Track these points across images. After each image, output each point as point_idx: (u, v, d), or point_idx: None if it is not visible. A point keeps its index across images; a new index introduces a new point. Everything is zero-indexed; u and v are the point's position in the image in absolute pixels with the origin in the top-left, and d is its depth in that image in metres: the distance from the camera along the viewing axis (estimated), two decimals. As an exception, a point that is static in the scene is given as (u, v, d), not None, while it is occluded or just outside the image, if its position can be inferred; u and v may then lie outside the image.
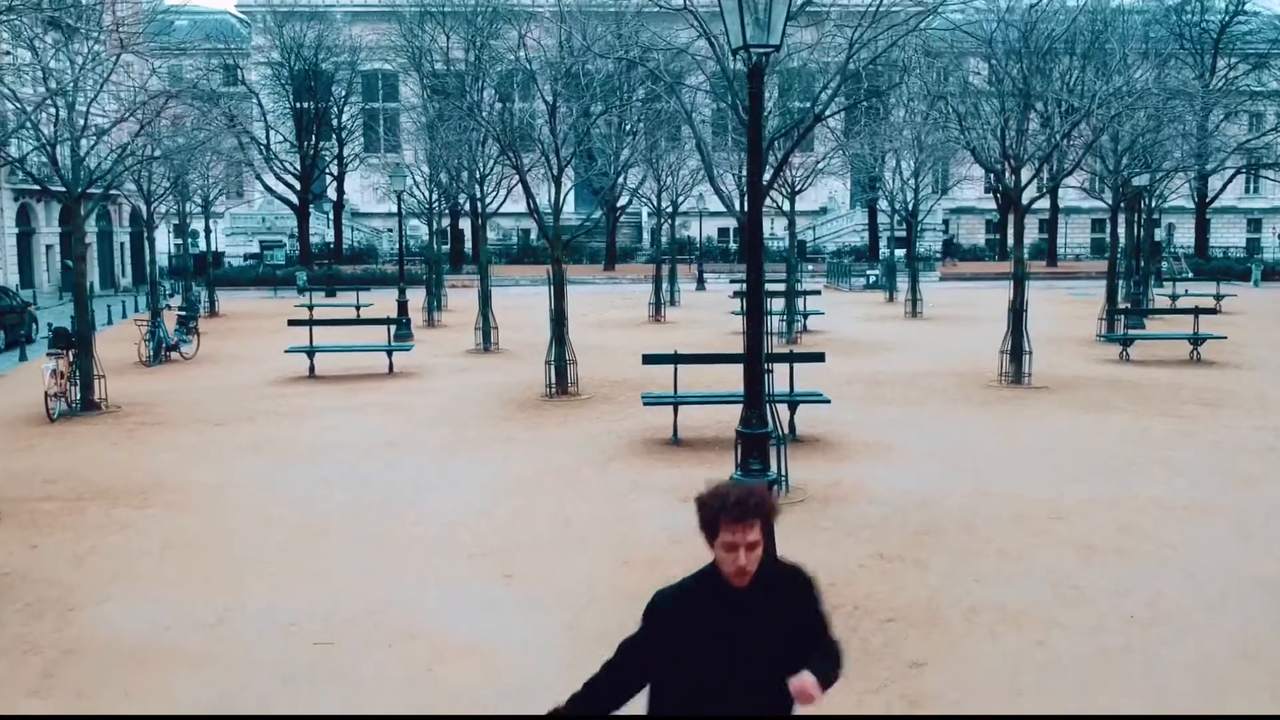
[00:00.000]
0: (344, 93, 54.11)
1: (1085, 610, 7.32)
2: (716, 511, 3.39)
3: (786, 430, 11.71)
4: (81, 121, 13.84)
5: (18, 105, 12.89)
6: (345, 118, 54.51)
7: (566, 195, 17.57)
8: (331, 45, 52.87)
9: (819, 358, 13.16)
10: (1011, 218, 17.95)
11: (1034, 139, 16.59)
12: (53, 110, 14.26)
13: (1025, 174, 17.63)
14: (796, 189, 24.65)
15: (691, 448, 12.51)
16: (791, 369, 12.67)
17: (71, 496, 10.74)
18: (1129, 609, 7.33)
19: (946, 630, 6.99)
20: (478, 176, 21.73)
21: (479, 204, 22.29)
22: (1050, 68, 17.00)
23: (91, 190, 16.39)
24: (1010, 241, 35.96)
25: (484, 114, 17.87)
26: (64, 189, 14.73)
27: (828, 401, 13.07)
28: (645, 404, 13.21)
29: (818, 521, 9.43)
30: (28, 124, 12.82)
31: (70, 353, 15.71)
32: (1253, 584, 7.82)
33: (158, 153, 18.79)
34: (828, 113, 10.31)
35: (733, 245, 61.60)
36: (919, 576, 8.02)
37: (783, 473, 10.14)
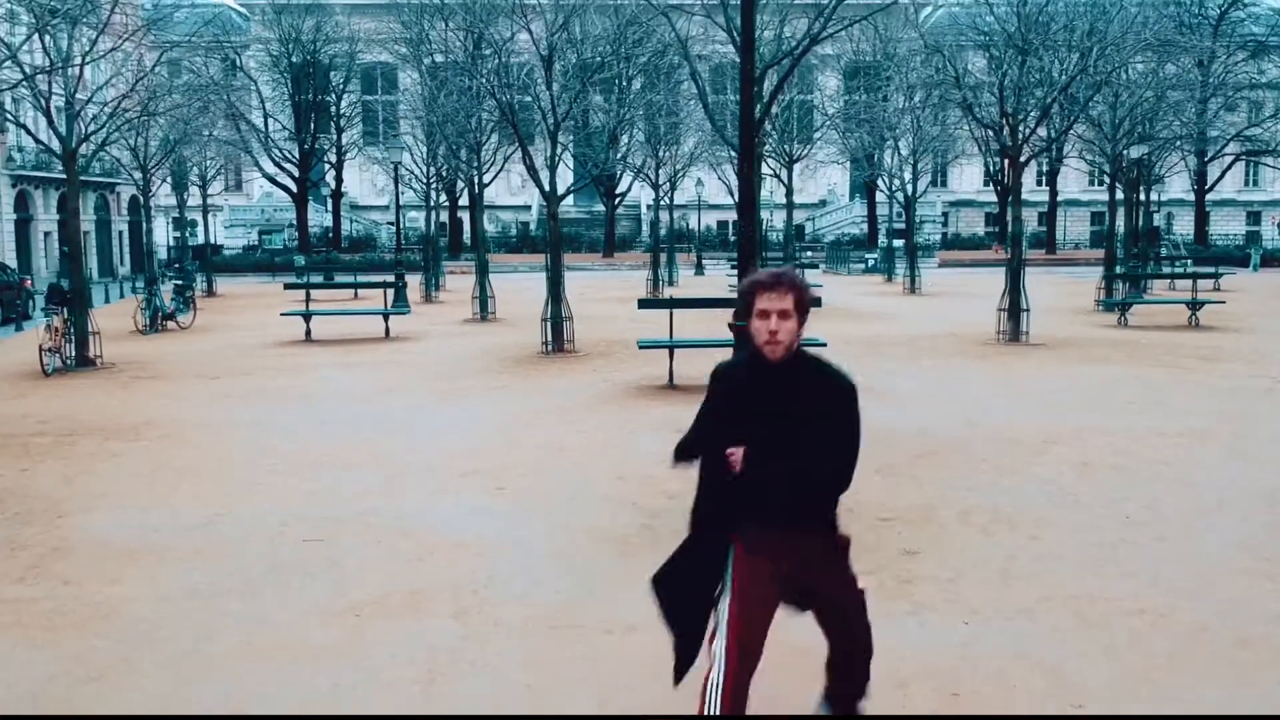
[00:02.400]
0: (343, 80, 54.04)
1: (1080, 513, 7.27)
2: (753, 284, 3.58)
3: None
4: (76, 71, 13.78)
5: (4, 46, 12.79)
6: (344, 105, 54.45)
7: (561, 156, 17.52)
8: (330, 33, 52.82)
9: (815, 303, 13.08)
10: (1009, 173, 17.85)
11: (1032, 93, 16.50)
12: (46, 66, 14.23)
13: (1024, 151, 17.59)
14: (794, 158, 24.59)
15: (686, 391, 12.43)
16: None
17: (64, 433, 10.69)
18: (1125, 512, 7.29)
19: (941, 527, 6.95)
20: (474, 145, 21.66)
21: (476, 172, 22.24)
22: (1047, 23, 16.87)
23: (88, 171, 16.28)
24: (1009, 223, 35.77)
25: (482, 76, 17.74)
26: (59, 141, 14.70)
27: (824, 345, 12.98)
28: (640, 348, 13.17)
29: (813, 446, 9.38)
30: (14, 62, 12.71)
31: (65, 310, 15.67)
32: (1249, 493, 7.77)
33: (153, 110, 18.70)
34: (823, 35, 10.22)
35: (732, 237, 61.51)
36: (915, 488, 7.97)
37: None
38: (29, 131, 15.60)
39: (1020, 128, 16.52)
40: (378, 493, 8.06)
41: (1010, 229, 17.40)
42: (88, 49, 13.93)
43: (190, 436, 10.42)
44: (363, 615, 5.51)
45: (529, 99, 18.56)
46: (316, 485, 8.39)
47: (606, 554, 6.45)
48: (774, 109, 26.25)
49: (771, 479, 3.54)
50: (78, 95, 14.51)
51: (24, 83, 13.33)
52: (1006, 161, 17.66)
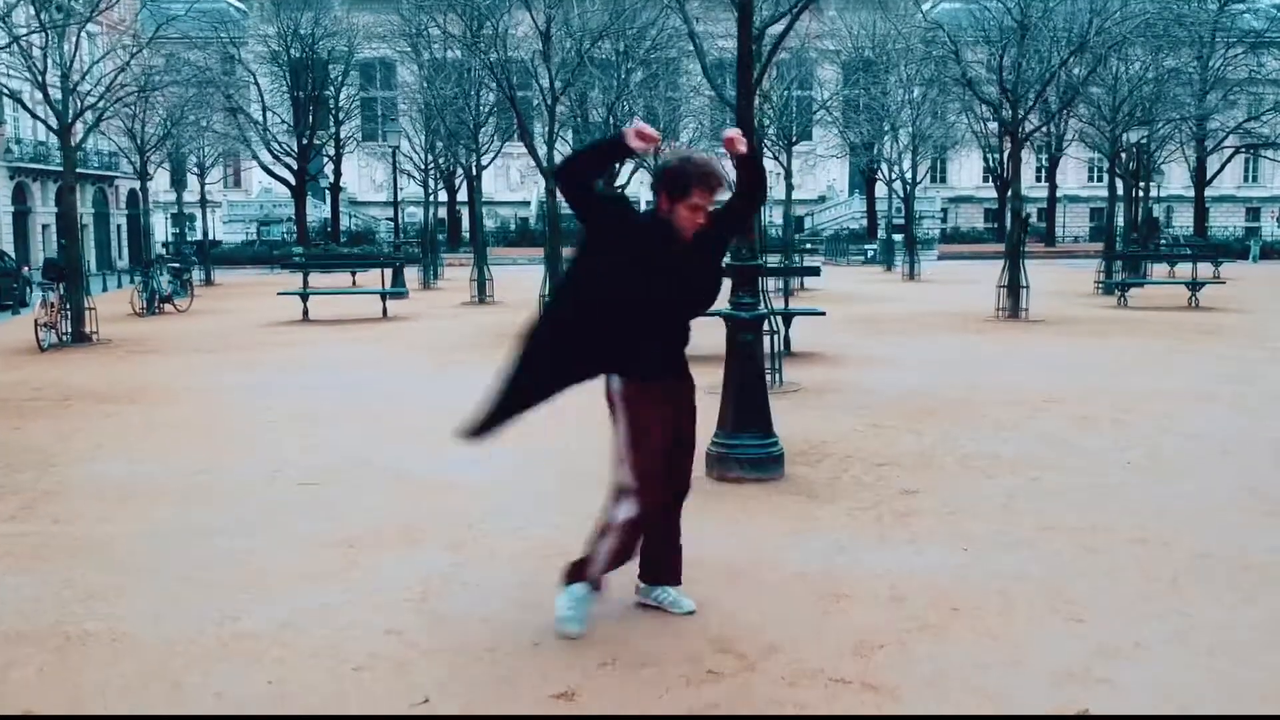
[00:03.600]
0: (341, 73, 53.91)
1: (1082, 459, 7.22)
2: (691, 178, 3.94)
3: (781, 346, 11.57)
4: (72, 45, 13.72)
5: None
6: (342, 98, 54.33)
7: (557, 140, 17.46)
8: (328, 27, 52.69)
9: (814, 272, 13.04)
10: (1009, 165, 17.82)
11: (1031, 70, 16.47)
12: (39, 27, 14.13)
13: (1024, 126, 17.52)
14: (794, 140, 24.55)
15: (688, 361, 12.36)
16: (786, 284, 12.58)
17: (58, 397, 10.63)
18: (1127, 458, 7.24)
19: (940, 470, 6.89)
20: (472, 129, 21.60)
21: (475, 154, 22.17)
22: (1047, 13, 16.84)
23: (86, 163, 16.19)
24: (1009, 217, 35.74)
25: (481, 54, 17.69)
26: (55, 116, 14.64)
27: (823, 314, 12.95)
28: (639, 318, 13.11)
29: (812, 404, 9.34)
30: (3, 24, 12.62)
31: (61, 286, 15.61)
32: (1253, 443, 7.72)
33: (150, 88, 18.64)
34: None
35: (731, 231, 61.27)
36: (914, 438, 7.91)
37: (777, 367, 10.05)
38: (24, 105, 15.51)
39: (1020, 103, 16.47)
40: (373, 445, 8.01)
41: (1010, 205, 17.34)
42: (85, 16, 13.84)
43: (185, 399, 10.36)
44: (356, 547, 5.46)
45: (528, 93, 18.55)
46: (312, 438, 8.34)
47: (604, 496, 6.37)
48: (774, 97, 26.24)
49: None
50: (74, 68, 14.44)
51: (14, 44, 13.23)
52: (1007, 139, 17.61)
